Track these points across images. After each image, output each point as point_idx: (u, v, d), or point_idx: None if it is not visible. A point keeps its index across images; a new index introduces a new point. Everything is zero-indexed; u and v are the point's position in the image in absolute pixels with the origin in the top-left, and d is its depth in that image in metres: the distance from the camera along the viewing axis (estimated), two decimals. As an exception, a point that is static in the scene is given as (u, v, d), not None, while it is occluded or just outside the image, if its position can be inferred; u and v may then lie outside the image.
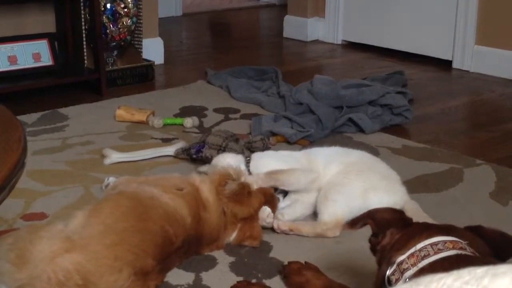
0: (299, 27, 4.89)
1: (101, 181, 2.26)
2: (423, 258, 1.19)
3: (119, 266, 1.51)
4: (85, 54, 3.50)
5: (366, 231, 1.43)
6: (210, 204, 1.83)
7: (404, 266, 1.21)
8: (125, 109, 2.97)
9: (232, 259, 1.83)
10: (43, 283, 1.44)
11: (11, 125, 1.36)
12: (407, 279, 1.18)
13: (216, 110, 3.15)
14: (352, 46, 4.67)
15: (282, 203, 2.06)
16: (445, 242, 1.21)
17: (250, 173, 2.10)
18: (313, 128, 2.75)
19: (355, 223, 1.45)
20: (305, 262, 1.73)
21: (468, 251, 1.19)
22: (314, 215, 2.04)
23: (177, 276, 1.73)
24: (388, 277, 1.24)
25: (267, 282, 1.71)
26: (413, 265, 1.19)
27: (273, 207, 1.98)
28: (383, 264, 1.30)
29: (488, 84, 3.70)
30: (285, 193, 2.09)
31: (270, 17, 6.17)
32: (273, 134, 2.71)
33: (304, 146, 2.57)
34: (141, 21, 3.75)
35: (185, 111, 3.12)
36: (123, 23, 3.64)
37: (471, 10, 3.92)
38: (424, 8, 4.19)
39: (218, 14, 6.23)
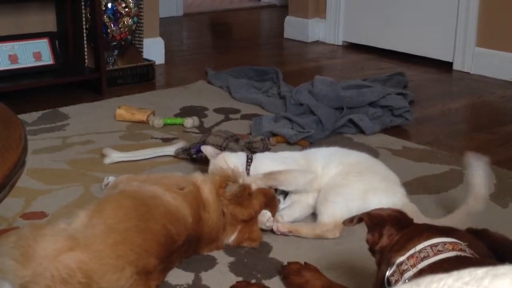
0: (300, 28, 4.89)
1: (101, 180, 2.26)
2: (422, 259, 1.19)
3: (121, 265, 1.52)
4: (85, 53, 3.50)
5: (366, 231, 1.43)
6: (209, 204, 1.83)
7: (404, 267, 1.21)
8: (125, 109, 2.97)
9: (231, 259, 1.83)
10: (47, 280, 1.44)
11: (11, 123, 1.36)
12: (407, 280, 1.18)
13: (217, 110, 3.15)
14: (352, 47, 4.67)
15: (283, 204, 2.06)
16: (444, 243, 1.21)
17: (248, 174, 2.10)
18: (313, 129, 2.75)
19: (351, 219, 1.45)
20: (305, 263, 1.73)
21: (468, 253, 1.19)
22: (314, 216, 2.04)
23: (176, 276, 1.73)
24: (388, 278, 1.24)
25: (266, 282, 1.71)
26: (413, 266, 1.19)
27: (274, 209, 1.98)
28: (383, 265, 1.30)
29: (489, 86, 3.70)
30: (286, 194, 2.09)
31: (271, 17, 6.18)
32: (273, 134, 2.71)
33: (304, 147, 2.57)
34: (142, 20, 3.75)
35: (186, 111, 3.12)
36: (124, 22, 3.64)
37: (472, 12, 3.92)
38: (424, 9, 4.19)
39: (219, 15, 6.24)
